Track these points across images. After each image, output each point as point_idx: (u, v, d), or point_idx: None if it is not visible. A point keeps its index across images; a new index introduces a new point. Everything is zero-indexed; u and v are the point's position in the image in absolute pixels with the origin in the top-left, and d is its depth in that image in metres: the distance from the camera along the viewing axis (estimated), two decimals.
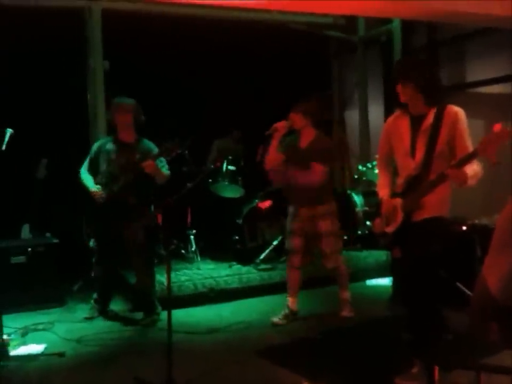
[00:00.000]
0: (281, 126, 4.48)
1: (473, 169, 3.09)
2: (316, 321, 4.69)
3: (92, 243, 4.71)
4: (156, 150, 4.55)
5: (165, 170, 4.59)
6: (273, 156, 4.54)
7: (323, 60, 7.98)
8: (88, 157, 4.70)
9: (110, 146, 4.61)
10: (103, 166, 4.58)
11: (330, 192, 4.71)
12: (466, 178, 3.03)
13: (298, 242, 4.62)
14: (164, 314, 4.43)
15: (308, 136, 4.57)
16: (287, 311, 4.64)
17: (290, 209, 4.70)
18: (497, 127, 2.81)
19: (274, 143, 4.50)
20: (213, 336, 4.36)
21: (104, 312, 4.84)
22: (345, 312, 4.70)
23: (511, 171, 5.52)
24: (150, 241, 4.68)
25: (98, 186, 4.53)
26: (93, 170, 4.63)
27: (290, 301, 4.68)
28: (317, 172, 4.49)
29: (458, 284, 4.53)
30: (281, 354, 3.96)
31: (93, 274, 4.86)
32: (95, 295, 4.87)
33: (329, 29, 7.49)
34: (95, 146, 4.70)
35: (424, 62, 3.48)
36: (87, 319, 4.79)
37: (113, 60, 5.89)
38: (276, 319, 4.57)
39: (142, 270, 4.66)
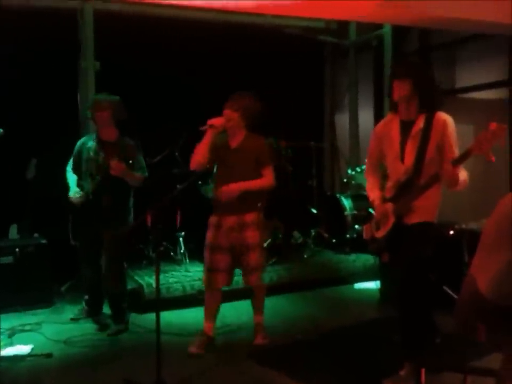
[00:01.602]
0: (218, 123, 3.96)
1: (463, 175, 3.14)
2: (305, 323, 4.70)
3: (73, 242, 4.65)
4: (139, 155, 4.52)
5: (143, 172, 4.51)
6: (202, 155, 4.00)
7: (315, 63, 8.00)
8: (72, 155, 4.67)
9: (90, 144, 4.54)
10: (83, 164, 4.54)
11: (260, 199, 4.14)
12: (458, 179, 3.08)
13: (224, 260, 4.04)
14: (152, 316, 4.42)
15: (239, 135, 4.08)
16: (204, 338, 4.09)
17: (212, 219, 4.10)
18: (493, 125, 2.85)
19: (206, 141, 3.96)
20: None
21: (95, 315, 4.75)
22: (259, 340, 4.16)
23: (498, 176, 5.59)
24: (123, 247, 4.56)
25: (77, 190, 4.48)
26: (76, 169, 4.61)
27: (206, 326, 4.13)
28: (269, 175, 4.06)
29: (445, 288, 4.56)
30: (271, 356, 3.97)
31: (82, 276, 4.82)
32: (86, 297, 4.83)
33: (322, 34, 7.52)
34: (77, 144, 4.65)
35: (425, 65, 3.52)
36: (73, 320, 4.77)
37: (105, 60, 5.87)
38: (192, 349, 4.00)
39: (111, 274, 4.52)
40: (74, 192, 4.47)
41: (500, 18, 4.70)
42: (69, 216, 4.61)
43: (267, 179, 4.05)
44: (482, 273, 1.48)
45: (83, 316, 4.80)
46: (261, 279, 4.13)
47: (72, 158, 4.66)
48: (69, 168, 4.66)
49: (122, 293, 4.65)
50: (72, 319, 4.79)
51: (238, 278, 5.50)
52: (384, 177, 3.59)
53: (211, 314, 4.16)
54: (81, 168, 4.55)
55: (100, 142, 4.51)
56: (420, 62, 3.52)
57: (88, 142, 4.58)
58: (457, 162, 3.06)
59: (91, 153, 4.49)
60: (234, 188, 3.95)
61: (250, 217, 4.04)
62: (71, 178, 4.59)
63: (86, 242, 4.58)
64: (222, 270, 4.05)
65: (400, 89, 3.28)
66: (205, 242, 4.10)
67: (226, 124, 4.00)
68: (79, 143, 4.66)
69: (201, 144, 3.99)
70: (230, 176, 4.00)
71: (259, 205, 4.13)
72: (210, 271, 4.07)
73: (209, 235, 4.10)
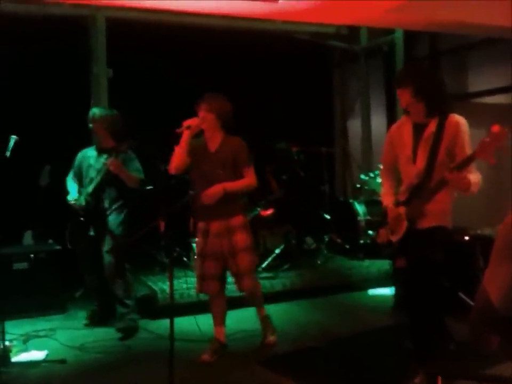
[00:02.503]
0: (195, 124, 3.91)
1: (475, 177, 3.12)
2: (317, 330, 4.68)
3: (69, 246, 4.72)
4: (132, 156, 4.64)
5: (138, 174, 4.62)
6: (180, 159, 3.96)
7: (325, 69, 8.00)
8: (73, 165, 4.81)
9: (91, 153, 4.74)
10: (84, 172, 4.70)
11: (243, 201, 4.14)
12: (469, 184, 3.06)
13: (214, 266, 4.02)
14: (165, 322, 4.43)
15: (216, 138, 4.03)
16: (216, 344, 4.10)
17: (200, 226, 4.07)
18: (495, 128, 2.85)
19: (183, 143, 3.91)
20: None
21: (107, 320, 4.77)
22: (271, 338, 4.24)
23: None
24: (125, 251, 4.62)
25: (76, 196, 4.61)
26: (77, 178, 4.76)
27: (217, 332, 4.15)
28: (250, 175, 4.02)
29: (460, 294, 4.52)
30: (283, 363, 3.96)
31: (86, 282, 4.87)
32: (96, 302, 4.87)
33: (332, 39, 7.52)
34: (79, 154, 4.82)
35: (427, 69, 3.49)
36: (86, 325, 4.81)
37: (117, 67, 5.91)
38: (205, 356, 4.00)
39: (110, 277, 4.58)
40: (73, 197, 4.60)
41: (510, 23, 4.66)
42: (67, 221, 4.67)
43: (249, 179, 4.02)
44: (493, 283, 1.46)
45: (95, 320, 4.81)
46: (254, 281, 4.16)
47: (72, 168, 4.80)
48: (69, 177, 4.80)
49: (126, 293, 4.66)
50: (86, 324, 4.82)
51: None
52: (399, 181, 3.58)
53: (219, 320, 4.18)
54: (82, 176, 4.71)
55: (100, 149, 4.68)
56: (420, 68, 3.49)
57: (88, 152, 4.76)
58: (460, 166, 3.05)
59: (91, 161, 4.67)
60: (217, 189, 3.88)
61: (236, 220, 4.00)
62: (71, 185, 4.74)
63: (86, 246, 4.64)
64: (213, 277, 4.04)
65: (403, 97, 3.29)
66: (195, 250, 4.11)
67: (201, 125, 3.95)
68: (79, 153, 4.82)
69: (179, 147, 3.93)
70: (210, 180, 3.93)
71: (242, 207, 4.11)
72: (202, 279, 4.06)
73: (197, 242, 4.11)
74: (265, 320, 4.30)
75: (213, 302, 4.17)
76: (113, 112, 4.78)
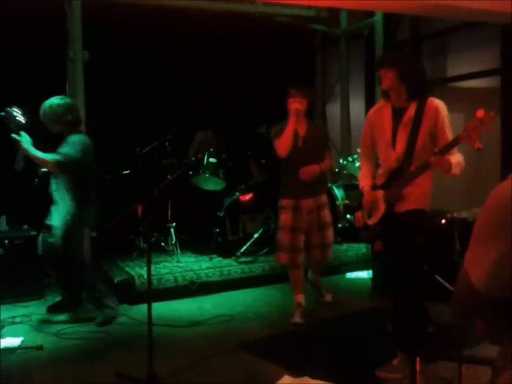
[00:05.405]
0: (300, 107, 4.30)
1: (457, 158, 3.13)
2: None
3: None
4: (70, 141, 4.42)
5: (54, 156, 4.34)
6: (290, 142, 4.28)
7: (306, 53, 7.95)
8: None
9: None
10: None
11: (325, 180, 4.80)
12: (450, 166, 3.07)
13: (302, 239, 4.39)
14: (143, 307, 4.40)
15: (302, 123, 4.40)
16: (301, 307, 4.42)
17: (288, 203, 4.38)
18: (480, 112, 2.85)
19: (291, 126, 4.27)
20: (194, 329, 4.35)
21: (67, 310, 4.69)
22: (329, 297, 4.91)
23: (491, 165, 5.59)
24: (70, 238, 4.45)
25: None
26: None
27: (300, 297, 4.46)
28: (330, 158, 4.57)
29: (437, 277, 4.56)
30: (263, 346, 3.96)
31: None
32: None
33: (312, 22, 7.46)
34: None
35: (410, 54, 3.49)
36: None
37: (95, 50, 5.79)
38: (297, 319, 4.33)
39: (62, 267, 4.50)
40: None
41: (496, 6, 4.64)
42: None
43: (330, 161, 4.54)
44: (474, 266, 1.42)
45: (59, 308, 4.74)
46: (331, 252, 4.65)
47: None
48: None
49: (88, 283, 4.55)
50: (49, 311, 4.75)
51: (232, 268, 5.53)
52: (377, 165, 3.57)
53: (299, 288, 4.47)
54: None
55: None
56: (405, 52, 3.51)
57: None
58: (444, 150, 3.06)
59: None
60: (315, 168, 4.34)
61: (324, 198, 4.50)
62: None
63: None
64: (301, 249, 4.40)
65: (385, 79, 3.28)
66: (279, 224, 4.44)
67: (303, 108, 4.32)
68: None
69: (288, 130, 4.26)
70: (302, 160, 4.32)
71: (326, 186, 4.74)
72: (293, 250, 4.36)
73: (286, 217, 4.37)
74: (323, 287, 4.93)
75: (296, 271, 4.44)
76: (66, 102, 4.56)
